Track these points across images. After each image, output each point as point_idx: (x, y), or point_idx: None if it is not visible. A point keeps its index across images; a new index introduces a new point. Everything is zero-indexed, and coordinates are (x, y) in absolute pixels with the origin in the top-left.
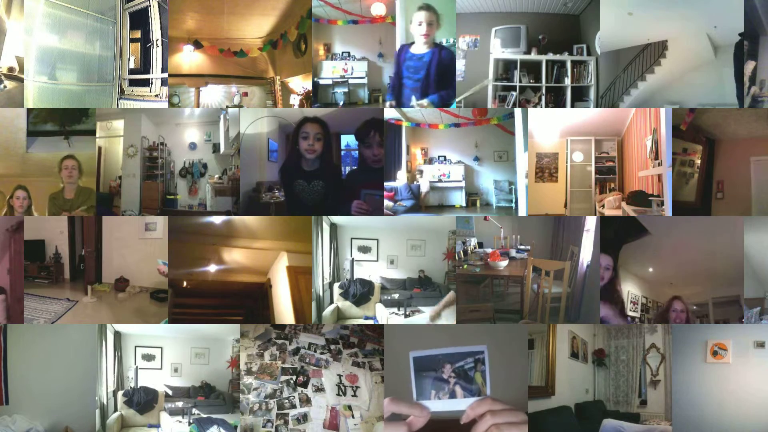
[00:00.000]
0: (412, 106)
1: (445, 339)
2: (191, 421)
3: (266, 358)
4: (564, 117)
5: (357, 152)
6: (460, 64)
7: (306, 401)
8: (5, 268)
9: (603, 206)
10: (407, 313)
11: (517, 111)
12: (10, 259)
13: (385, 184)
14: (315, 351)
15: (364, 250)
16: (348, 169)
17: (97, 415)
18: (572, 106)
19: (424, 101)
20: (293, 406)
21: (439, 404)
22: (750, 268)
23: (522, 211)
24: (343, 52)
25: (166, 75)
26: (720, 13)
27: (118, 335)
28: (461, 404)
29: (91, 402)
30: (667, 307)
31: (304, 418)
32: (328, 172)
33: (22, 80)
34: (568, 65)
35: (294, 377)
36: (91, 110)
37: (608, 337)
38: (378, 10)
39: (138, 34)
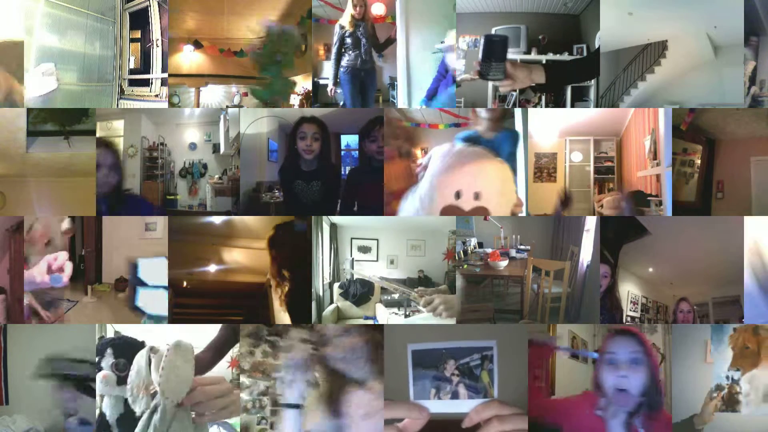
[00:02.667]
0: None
1: (446, 336)
2: None
3: (258, 355)
4: (564, 117)
5: (357, 152)
6: (459, 64)
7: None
8: (5, 268)
9: (602, 206)
10: (407, 313)
11: (517, 111)
12: (10, 259)
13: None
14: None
15: (364, 250)
16: (347, 169)
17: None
18: (572, 106)
19: None
20: None
21: (439, 405)
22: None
23: (522, 211)
24: None
25: (166, 75)
26: (720, 13)
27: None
28: (464, 406)
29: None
30: (674, 309)
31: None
32: (326, 172)
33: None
34: None
35: None
36: (91, 110)
37: None
38: (378, 10)
39: (138, 34)
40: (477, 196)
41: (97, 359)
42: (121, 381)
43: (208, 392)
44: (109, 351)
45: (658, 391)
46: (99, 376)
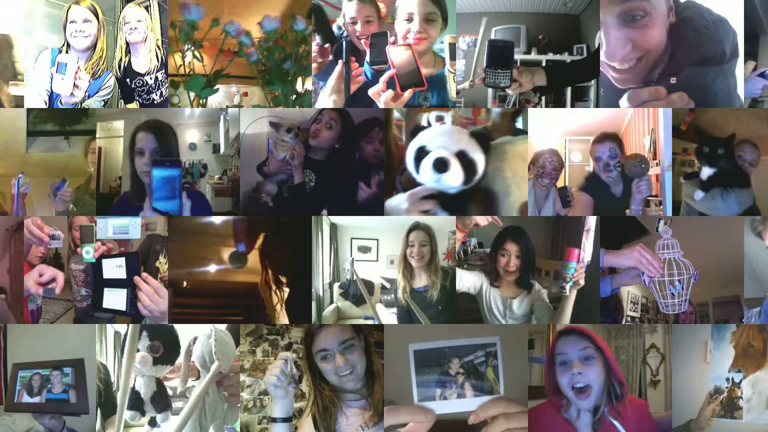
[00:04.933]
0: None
1: (447, 335)
2: None
3: (258, 354)
4: (563, 117)
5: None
6: (460, 64)
7: (301, 396)
8: (5, 268)
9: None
10: None
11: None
12: (10, 259)
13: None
14: None
15: (364, 250)
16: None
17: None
18: (572, 106)
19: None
20: None
21: (445, 405)
22: (750, 268)
23: None
24: None
25: (166, 75)
26: (720, 13)
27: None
28: (471, 405)
29: (90, 402)
30: None
31: (299, 413)
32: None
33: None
34: None
35: None
36: (91, 110)
37: (608, 337)
38: None
39: None
40: None
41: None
42: (156, 362)
43: (238, 376)
44: (144, 334)
45: (618, 382)
46: (137, 358)
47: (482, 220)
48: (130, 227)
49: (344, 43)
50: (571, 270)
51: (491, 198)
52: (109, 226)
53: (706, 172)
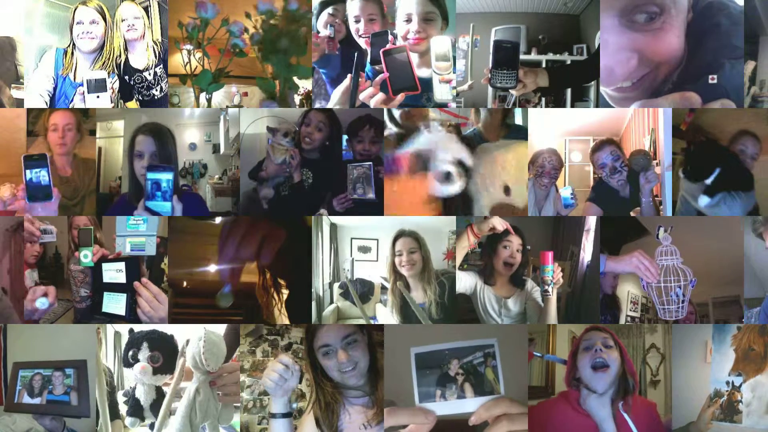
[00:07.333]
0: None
1: (447, 337)
2: None
3: (258, 354)
4: (563, 117)
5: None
6: (460, 65)
7: (301, 396)
8: (5, 268)
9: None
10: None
11: (517, 111)
12: (10, 259)
13: None
14: None
15: (364, 250)
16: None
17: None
18: (572, 106)
19: None
20: None
21: (446, 406)
22: (750, 268)
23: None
24: None
25: (166, 75)
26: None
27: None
28: (472, 405)
29: (89, 402)
30: None
31: (299, 413)
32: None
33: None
34: None
35: None
36: (91, 110)
37: None
38: None
39: None
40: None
41: (131, 351)
42: (156, 371)
43: (236, 376)
44: (145, 345)
45: (630, 374)
46: (137, 368)
47: (500, 226)
48: (146, 244)
49: (356, 56)
50: (549, 273)
51: (468, 201)
52: (127, 244)
53: (704, 200)
